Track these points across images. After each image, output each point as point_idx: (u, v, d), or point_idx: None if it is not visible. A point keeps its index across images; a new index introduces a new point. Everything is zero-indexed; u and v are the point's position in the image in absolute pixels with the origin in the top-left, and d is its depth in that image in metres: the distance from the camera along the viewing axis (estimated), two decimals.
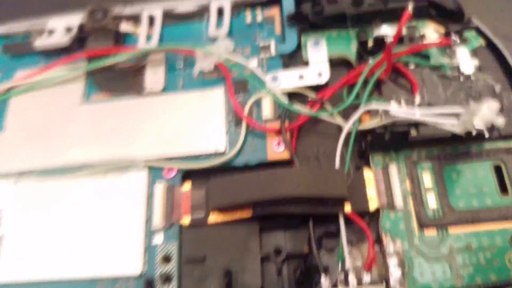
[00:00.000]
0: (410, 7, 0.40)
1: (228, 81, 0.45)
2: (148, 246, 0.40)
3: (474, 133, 0.37)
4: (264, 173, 0.40)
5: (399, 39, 0.44)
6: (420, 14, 0.45)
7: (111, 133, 0.45)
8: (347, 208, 0.39)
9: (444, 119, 0.38)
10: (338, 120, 0.42)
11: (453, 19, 0.46)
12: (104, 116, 0.46)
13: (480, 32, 0.45)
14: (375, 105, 0.40)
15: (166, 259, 0.40)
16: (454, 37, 0.43)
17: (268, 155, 0.42)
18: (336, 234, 0.40)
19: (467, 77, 0.42)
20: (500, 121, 0.36)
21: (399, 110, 0.40)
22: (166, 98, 0.46)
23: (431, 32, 0.45)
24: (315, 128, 0.44)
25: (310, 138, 0.43)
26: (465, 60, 0.43)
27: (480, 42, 0.45)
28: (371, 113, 0.41)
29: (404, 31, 0.44)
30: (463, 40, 0.44)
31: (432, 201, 0.40)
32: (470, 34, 0.45)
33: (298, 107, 0.43)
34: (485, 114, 0.36)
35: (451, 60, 0.43)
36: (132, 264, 0.40)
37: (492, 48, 0.45)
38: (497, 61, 0.44)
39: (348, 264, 0.38)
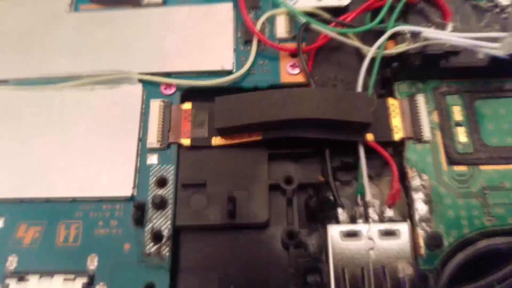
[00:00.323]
0: None
1: None
2: (141, 167, 0.35)
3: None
4: (278, 91, 0.35)
5: None
6: None
7: (101, 44, 0.39)
8: (370, 136, 0.35)
9: (485, 43, 0.35)
10: (360, 44, 0.38)
11: None
12: (95, 27, 0.40)
13: None
14: (404, 27, 0.36)
15: (161, 182, 0.35)
16: None
17: (281, 77, 0.38)
18: (353, 167, 0.36)
19: (503, 9, 0.38)
20: None
21: (434, 32, 0.36)
22: (167, 11, 0.41)
23: None
24: (334, 53, 0.39)
25: (328, 63, 0.39)
26: None
27: None
28: (398, 39, 0.37)
29: None
30: None
31: (462, 135, 0.36)
32: None
33: (318, 26, 0.38)
34: None
35: None
36: (122, 185, 0.35)
37: None
38: None
39: (369, 196, 0.34)
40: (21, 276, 0.33)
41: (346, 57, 0.39)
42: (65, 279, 0.32)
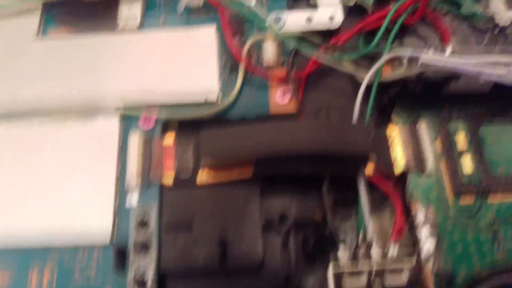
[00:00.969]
0: None
1: (223, 17, 0.37)
2: (120, 208, 0.32)
3: None
4: (270, 124, 0.32)
5: None
6: None
7: (73, 74, 0.36)
8: (369, 169, 0.32)
9: (488, 68, 0.32)
10: (355, 70, 0.35)
11: None
12: (66, 55, 0.37)
13: None
14: (404, 51, 0.34)
15: (142, 223, 0.31)
16: None
17: (270, 107, 0.35)
18: (353, 202, 0.33)
19: (502, 29, 0.36)
20: None
21: (433, 57, 0.33)
22: (145, 36, 0.38)
23: None
24: (326, 79, 0.36)
25: (320, 90, 0.36)
26: (500, 10, 0.37)
27: None
28: (394, 64, 0.35)
29: None
30: None
31: (467, 165, 0.33)
32: None
33: (310, 51, 0.35)
34: None
35: (484, 9, 0.37)
36: (100, 231, 0.31)
37: None
38: None
39: (371, 234, 0.31)
40: None
41: (339, 83, 0.36)
42: None
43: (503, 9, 0.37)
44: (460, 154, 0.34)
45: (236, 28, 0.38)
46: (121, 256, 0.31)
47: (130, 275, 0.30)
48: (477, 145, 0.34)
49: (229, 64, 0.36)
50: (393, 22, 0.35)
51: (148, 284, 0.30)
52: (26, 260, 0.31)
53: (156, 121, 0.35)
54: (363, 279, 0.29)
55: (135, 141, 0.34)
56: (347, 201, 0.33)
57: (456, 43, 0.35)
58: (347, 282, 0.29)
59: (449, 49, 0.35)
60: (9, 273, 0.31)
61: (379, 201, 0.33)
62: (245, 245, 0.31)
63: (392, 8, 0.35)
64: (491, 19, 0.37)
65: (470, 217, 0.32)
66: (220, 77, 0.36)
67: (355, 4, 0.38)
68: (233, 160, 0.32)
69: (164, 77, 0.36)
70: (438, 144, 0.34)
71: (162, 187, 0.33)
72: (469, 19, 0.37)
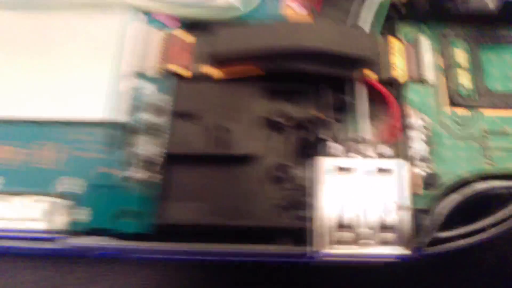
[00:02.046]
0: None
1: None
2: (135, 92, 0.35)
3: None
4: (280, 23, 0.35)
5: None
6: None
7: None
8: (368, 73, 0.34)
9: None
10: None
11: None
12: None
13: None
14: None
15: (157, 109, 0.34)
16: None
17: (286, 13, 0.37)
18: (351, 105, 0.35)
19: None
20: None
21: None
22: None
23: None
24: None
25: (336, 7, 0.38)
26: None
27: None
28: None
29: None
30: None
31: (465, 80, 0.35)
32: None
33: None
34: None
35: None
36: (100, 106, 0.34)
37: None
38: None
39: (365, 131, 0.33)
40: None
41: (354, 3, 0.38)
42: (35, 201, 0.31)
43: None
44: (460, 69, 0.35)
45: None
46: (123, 136, 0.33)
47: (140, 154, 0.33)
48: (476, 62, 0.35)
49: None
50: None
51: (155, 165, 0.33)
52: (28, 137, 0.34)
53: (179, 20, 0.37)
54: (353, 175, 0.31)
55: (158, 35, 0.36)
56: (345, 106, 0.35)
57: None
58: (337, 177, 0.31)
59: None
60: (12, 148, 0.33)
61: (376, 108, 0.35)
62: (247, 137, 0.33)
63: None
64: None
65: (462, 126, 0.34)
66: None
67: None
68: (244, 54, 0.34)
69: None
70: (439, 57, 0.36)
71: (178, 79, 0.35)
72: None
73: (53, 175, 0.32)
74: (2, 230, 0.31)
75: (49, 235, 0.31)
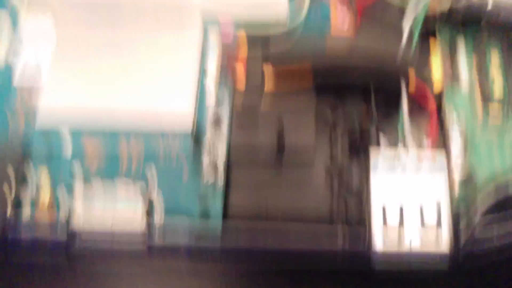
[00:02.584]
0: None
1: None
2: (199, 108, 0.39)
3: None
4: (326, 39, 0.40)
5: None
6: None
7: None
8: (411, 84, 0.38)
9: None
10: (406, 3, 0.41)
11: None
12: None
13: None
14: None
15: (217, 120, 0.38)
16: None
17: (332, 30, 0.42)
18: (396, 110, 0.38)
19: None
20: None
21: None
22: None
23: None
24: (381, 13, 0.42)
25: (375, 21, 0.42)
26: None
27: None
28: None
29: None
30: None
31: (499, 83, 0.38)
32: None
33: None
34: None
35: None
36: (183, 104, 0.38)
37: None
38: None
39: (408, 126, 0.37)
40: (86, 180, 0.36)
41: (392, 15, 0.41)
42: (126, 183, 0.36)
43: None
44: (493, 76, 0.39)
45: None
46: (199, 132, 0.38)
47: (205, 161, 0.37)
48: (510, 68, 0.39)
49: None
50: None
51: (219, 169, 0.37)
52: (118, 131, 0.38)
53: (234, 36, 0.41)
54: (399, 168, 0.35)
55: (214, 51, 0.41)
56: (391, 110, 0.39)
57: None
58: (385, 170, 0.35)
59: None
60: (103, 140, 0.38)
61: (418, 113, 0.38)
62: (300, 129, 0.37)
63: None
64: None
65: (496, 127, 0.37)
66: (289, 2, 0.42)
67: None
68: (296, 68, 0.38)
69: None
70: (474, 63, 0.39)
71: (234, 91, 0.40)
72: None
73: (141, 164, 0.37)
74: None
75: None
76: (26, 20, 0.43)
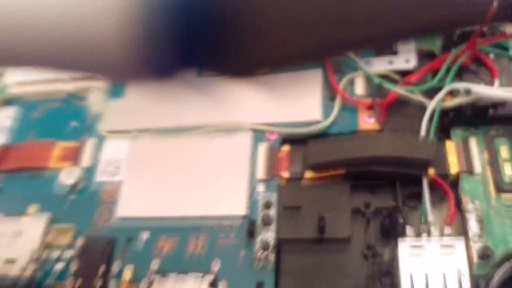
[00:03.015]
0: (495, 5, 0.45)
1: (327, 62, 0.51)
2: (252, 194, 0.46)
3: None
4: (358, 136, 0.46)
5: (482, 34, 0.49)
6: (502, 17, 0.51)
7: (221, 101, 0.51)
8: (431, 171, 0.44)
9: None
10: (423, 99, 0.48)
11: None
12: (216, 88, 0.51)
13: None
14: (458, 85, 0.46)
15: (267, 205, 0.45)
16: None
17: (359, 125, 0.48)
18: (419, 196, 0.44)
19: None
20: None
21: (481, 87, 0.45)
22: (272, 76, 0.52)
23: (511, 30, 0.50)
24: (402, 107, 0.49)
25: (397, 115, 0.49)
26: None
27: None
28: (453, 94, 0.47)
29: (486, 29, 0.50)
30: None
31: (508, 170, 0.44)
32: None
33: (391, 85, 0.48)
34: None
35: None
36: (238, 207, 0.46)
37: None
38: None
39: (431, 217, 0.43)
40: (162, 274, 0.44)
41: (412, 110, 0.48)
42: (195, 277, 0.43)
43: None
44: (503, 162, 0.45)
45: (336, 68, 0.51)
46: (252, 226, 0.45)
47: (258, 240, 0.44)
48: None
49: (329, 95, 0.50)
50: (453, 62, 0.48)
51: (270, 247, 0.43)
52: (186, 231, 0.46)
53: (277, 136, 0.49)
54: (424, 251, 0.41)
55: (262, 148, 0.48)
56: (415, 196, 0.45)
57: (503, 78, 0.47)
58: (412, 252, 0.41)
59: (496, 84, 0.46)
60: (175, 237, 0.46)
61: (438, 198, 0.45)
62: (338, 222, 0.44)
63: (451, 53, 0.48)
64: None
65: (508, 207, 0.43)
66: (323, 104, 0.50)
67: (427, 51, 0.51)
68: (331, 161, 0.45)
69: (285, 104, 0.50)
70: (486, 154, 0.45)
71: (280, 181, 0.47)
72: None
73: (205, 258, 0.44)
74: None
75: None
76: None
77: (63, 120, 0.54)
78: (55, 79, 0.54)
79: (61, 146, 0.52)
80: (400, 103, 0.49)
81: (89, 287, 0.44)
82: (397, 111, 0.49)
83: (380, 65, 0.50)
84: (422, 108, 0.47)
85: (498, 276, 0.40)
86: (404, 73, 0.50)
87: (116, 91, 0.54)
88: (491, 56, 0.48)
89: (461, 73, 0.48)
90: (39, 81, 0.55)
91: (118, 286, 0.44)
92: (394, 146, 0.44)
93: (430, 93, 0.47)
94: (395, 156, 0.44)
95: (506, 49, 0.49)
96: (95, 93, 0.53)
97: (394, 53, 0.51)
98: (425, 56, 0.51)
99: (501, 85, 0.46)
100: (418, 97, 0.48)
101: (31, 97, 0.56)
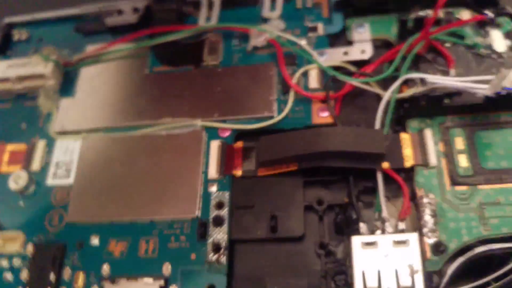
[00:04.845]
0: None
1: (279, 54, 0.50)
2: (203, 194, 0.45)
3: (503, 93, 0.41)
4: (309, 130, 0.45)
5: (437, 22, 0.48)
6: (457, 2, 0.50)
7: (172, 99, 0.50)
8: (385, 164, 0.43)
9: (477, 85, 0.43)
10: (379, 90, 0.46)
11: (487, 7, 0.49)
12: (166, 85, 0.51)
13: None
14: (413, 75, 0.45)
15: (219, 205, 0.44)
16: (488, 17, 0.47)
17: (313, 119, 0.47)
18: (374, 190, 0.44)
19: (499, 55, 0.46)
20: None
21: (436, 77, 0.44)
22: (223, 71, 0.51)
23: (467, 16, 0.49)
24: (357, 98, 0.48)
25: (352, 107, 0.48)
26: (498, 39, 0.47)
27: None
28: (409, 84, 0.46)
29: (442, 15, 0.49)
30: (497, 25, 0.48)
31: (463, 161, 0.43)
32: (503, 19, 0.49)
33: (346, 77, 0.47)
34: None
35: (484, 39, 0.47)
36: (189, 208, 0.44)
37: None
38: None
39: (385, 213, 0.42)
40: (113, 279, 0.43)
41: (368, 101, 0.47)
42: (145, 282, 0.42)
43: (500, 38, 0.47)
44: (458, 153, 0.44)
45: (289, 60, 0.50)
46: (203, 228, 0.44)
47: (209, 242, 0.43)
48: (471, 146, 0.44)
49: (282, 88, 0.49)
50: (408, 52, 0.46)
51: (221, 249, 0.42)
52: (138, 230, 0.45)
53: (230, 132, 0.48)
54: (378, 248, 0.40)
55: (215, 146, 0.47)
56: (369, 191, 0.44)
57: (460, 67, 0.46)
58: (365, 250, 0.40)
59: (452, 73, 0.45)
60: (126, 240, 0.45)
61: (395, 190, 0.44)
62: (291, 221, 0.43)
63: (406, 43, 0.46)
64: (489, 46, 0.47)
65: (463, 200, 0.42)
66: (276, 99, 0.48)
67: (382, 39, 0.50)
68: (282, 158, 0.44)
69: (237, 98, 0.49)
70: (441, 145, 0.44)
71: (233, 178, 0.46)
72: (471, 47, 0.47)
73: (156, 262, 0.43)
74: None
75: None
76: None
77: (11, 122, 0.53)
78: (3, 79, 0.53)
79: (8, 149, 0.51)
80: (356, 95, 0.48)
81: None
82: (352, 103, 0.48)
83: (335, 56, 0.49)
84: (379, 99, 0.46)
85: (451, 271, 0.39)
86: (360, 64, 0.49)
87: (66, 90, 0.53)
88: (447, 44, 0.47)
89: (417, 63, 0.47)
90: None
91: None
92: (346, 140, 0.43)
93: (387, 84, 0.46)
94: (347, 151, 0.43)
95: (462, 37, 0.47)
96: (45, 93, 0.52)
97: (349, 43, 0.50)
98: (381, 46, 0.50)
99: (458, 74, 0.45)
100: (374, 88, 0.47)
101: None
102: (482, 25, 0.48)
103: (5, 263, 0.45)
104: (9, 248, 0.46)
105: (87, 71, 0.54)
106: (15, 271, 0.45)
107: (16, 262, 0.45)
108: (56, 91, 0.53)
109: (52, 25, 0.58)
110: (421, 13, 0.48)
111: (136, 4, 0.55)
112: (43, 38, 0.57)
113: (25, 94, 0.54)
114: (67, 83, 0.54)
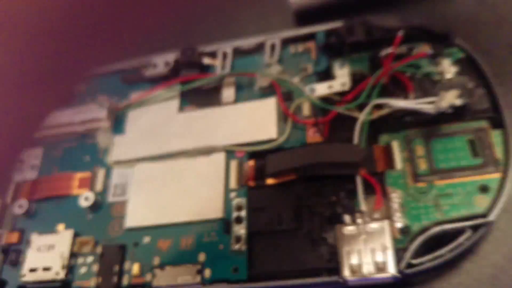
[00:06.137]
0: (400, 34, 0.58)
1: (278, 92, 0.63)
2: (226, 200, 0.59)
3: (449, 111, 0.55)
4: (304, 148, 0.59)
5: (401, 56, 0.61)
6: (415, 38, 0.62)
7: (199, 130, 0.64)
8: (362, 170, 0.57)
9: (425, 106, 0.56)
10: (357, 113, 0.60)
11: (440, 40, 0.62)
12: (194, 120, 0.65)
13: (461, 48, 0.61)
14: (380, 100, 0.58)
15: (239, 208, 0.58)
16: (435, 51, 0.60)
17: (307, 139, 0.60)
18: (355, 191, 0.57)
19: (449, 80, 0.59)
20: (458, 102, 0.54)
21: (397, 101, 0.57)
22: (236, 106, 0.65)
23: (426, 49, 0.61)
24: (341, 121, 0.60)
25: (338, 128, 0.60)
26: (448, 68, 0.60)
27: (461, 55, 0.60)
28: (379, 107, 0.59)
29: (405, 50, 0.62)
30: (447, 55, 0.61)
31: (422, 164, 0.56)
32: (453, 50, 0.61)
33: (328, 105, 0.61)
34: (448, 98, 0.54)
35: (436, 67, 0.60)
36: (216, 211, 0.58)
37: (471, 60, 0.60)
38: (474, 70, 0.59)
39: (363, 207, 0.55)
40: (162, 267, 0.57)
41: (349, 123, 0.59)
42: (186, 267, 0.56)
43: (449, 66, 0.60)
44: (418, 158, 0.56)
45: (286, 96, 0.64)
46: (227, 227, 0.57)
47: (233, 235, 0.57)
48: (428, 152, 0.56)
49: (282, 117, 0.62)
50: (376, 82, 0.60)
51: (242, 241, 0.56)
52: (178, 233, 0.59)
53: (244, 153, 0.62)
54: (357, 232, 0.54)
55: (234, 164, 0.61)
56: (352, 191, 0.57)
57: (417, 92, 0.59)
58: (349, 239, 0.54)
59: (410, 96, 0.58)
60: (171, 240, 0.59)
61: (370, 192, 0.56)
62: (292, 218, 0.57)
63: (373, 75, 0.60)
64: (441, 73, 0.60)
65: (422, 194, 0.55)
66: (277, 126, 0.62)
67: (359, 73, 0.64)
68: (284, 171, 0.58)
69: (248, 128, 0.63)
70: (405, 153, 0.57)
71: (248, 188, 0.59)
72: (427, 76, 0.60)
73: (194, 252, 0.57)
74: None
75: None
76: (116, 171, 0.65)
77: (79, 156, 0.67)
78: (70, 123, 0.68)
79: (78, 177, 0.65)
80: (340, 119, 0.60)
81: (108, 282, 0.58)
82: (337, 125, 0.60)
83: (322, 89, 0.63)
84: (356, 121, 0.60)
85: (414, 247, 0.52)
86: (342, 94, 0.62)
87: (118, 129, 0.68)
88: (407, 74, 0.61)
89: (384, 90, 0.60)
90: (56, 125, 0.69)
91: (129, 280, 0.57)
92: (331, 153, 0.56)
93: (363, 108, 0.60)
94: (333, 161, 0.56)
95: (418, 67, 0.61)
96: (102, 132, 0.67)
97: (333, 78, 0.64)
98: (359, 79, 0.63)
99: (416, 97, 0.58)
100: (353, 113, 0.60)
101: (52, 139, 0.70)
102: (434, 57, 0.61)
103: (81, 260, 0.60)
104: (84, 249, 0.60)
105: (133, 113, 0.67)
106: (88, 265, 0.59)
107: (89, 259, 0.59)
108: (110, 130, 0.67)
109: (102, 78, 0.72)
110: (388, 50, 0.62)
111: (167, 59, 0.70)
112: (97, 89, 0.71)
113: (87, 134, 0.68)
114: (118, 124, 0.67)
